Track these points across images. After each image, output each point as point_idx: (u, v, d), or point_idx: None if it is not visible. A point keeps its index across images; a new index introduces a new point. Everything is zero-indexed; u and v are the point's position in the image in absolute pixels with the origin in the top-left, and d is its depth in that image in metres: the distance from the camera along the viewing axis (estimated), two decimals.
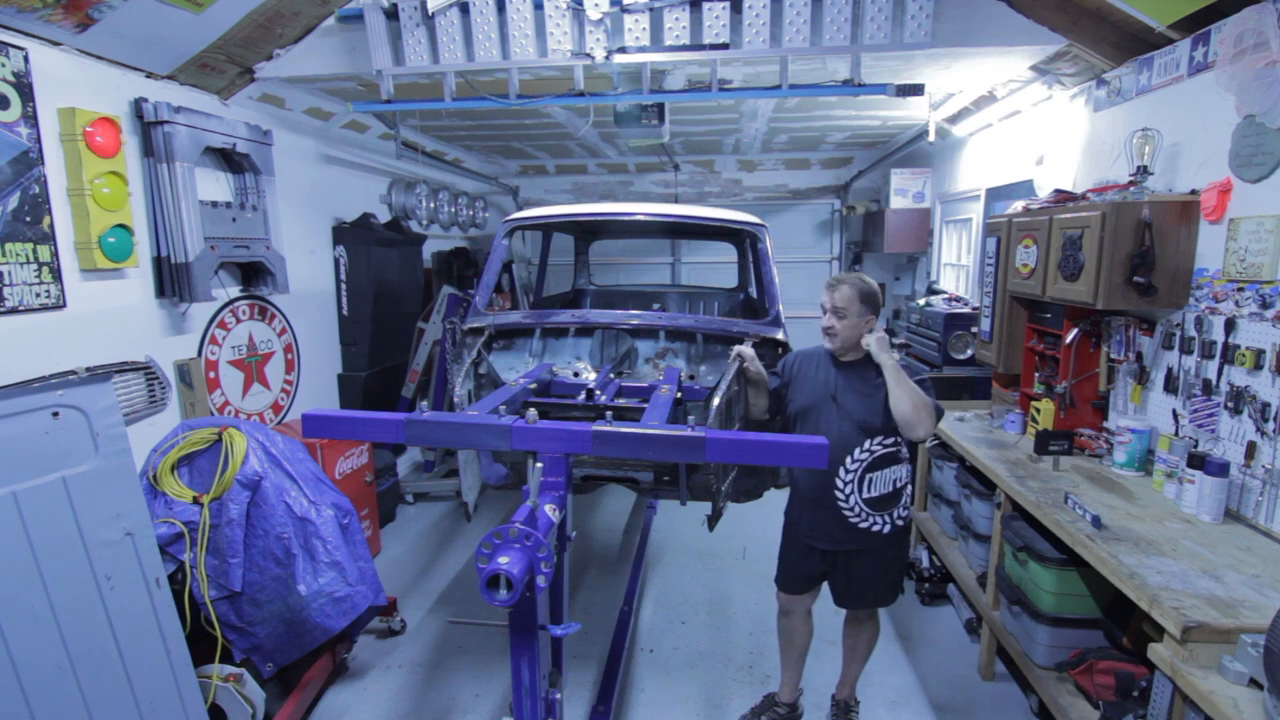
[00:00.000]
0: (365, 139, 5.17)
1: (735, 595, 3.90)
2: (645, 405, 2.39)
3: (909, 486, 2.54)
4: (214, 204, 3.50)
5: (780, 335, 3.02)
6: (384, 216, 5.49)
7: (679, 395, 2.68)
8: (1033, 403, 3.38)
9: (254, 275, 3.92)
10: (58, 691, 1.94)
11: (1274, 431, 2.29)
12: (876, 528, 2.49)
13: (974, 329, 4.24)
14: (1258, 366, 2.35)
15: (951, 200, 5.70)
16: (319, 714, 2.96)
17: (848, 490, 2.45)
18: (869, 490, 2.45)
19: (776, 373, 2.67)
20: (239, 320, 3.90)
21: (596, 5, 3.04)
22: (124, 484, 2.12)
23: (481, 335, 3.09)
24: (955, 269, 5.72)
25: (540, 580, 1.62)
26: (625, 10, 3.05)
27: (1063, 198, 3.19)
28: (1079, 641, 2.54)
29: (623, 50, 3.16)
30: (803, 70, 3.72)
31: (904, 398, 2.31)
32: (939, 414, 2.35)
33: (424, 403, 2.14)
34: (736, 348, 2.57)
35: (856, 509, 2.46)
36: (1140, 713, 2.13)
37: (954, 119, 4.95)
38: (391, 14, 3.20)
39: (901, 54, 3.18)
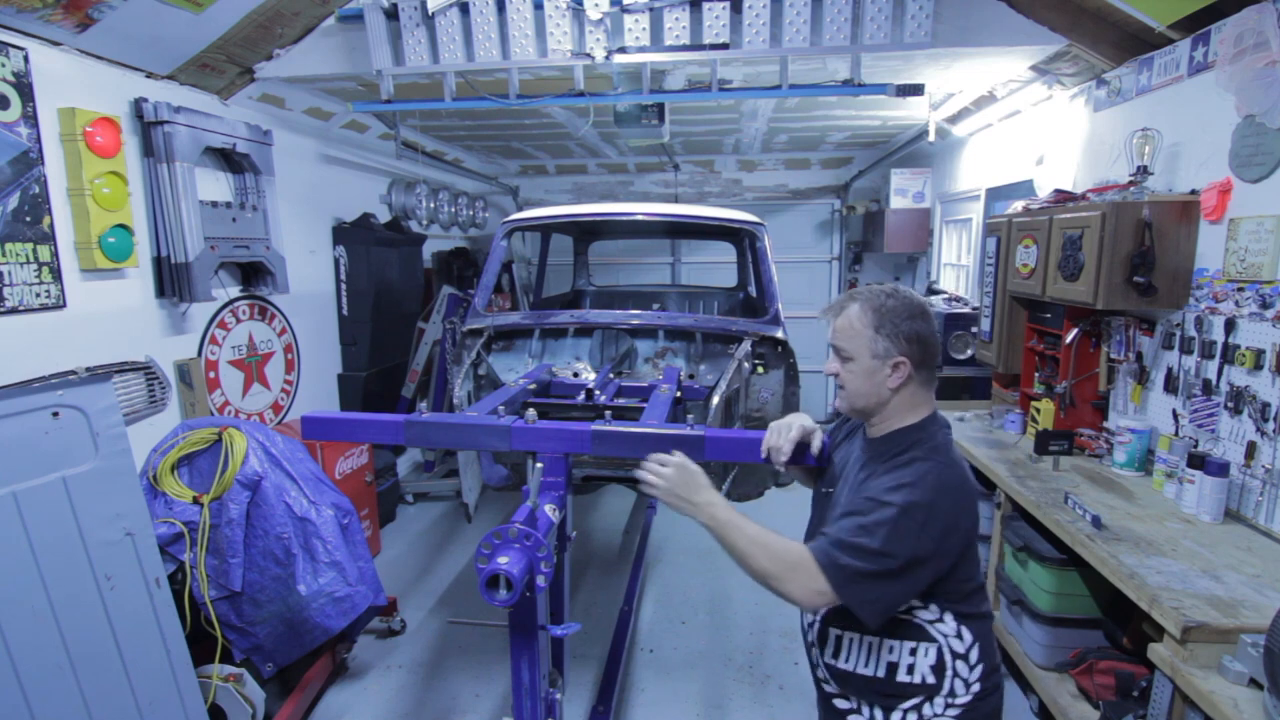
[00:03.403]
0: (365, 139, 5.17)
1: (735, 595, 3.90)
2: (645, 405, 2.39)
3: (952, 677, 1.42)
4: (214, 204, 3.50)
5: (780, 334, 3.03)
6: (384, 216, 5.49)
7: (678, 394, 2.68)
8: (1033, 403, 3.38)
9: (254, 275, 3.92)
10: (58, 691, 1.94)
11: (1274, 431, 2.29)
12: None
13: (974, 329, 4.24)
14: (1258, 366, 2.35)
15: (951, 200, 5.70)
16: (319, 714, 2.96)
17: (811, 636, 1.57)
18: (838, 656, 1.49)
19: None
20: (239, 320, 3.90)
21: (596, 5, 3.04)
22: (124, 484, 2.12)
23: (481, 336, 3.09)
24: (955, 269, 5.72)
25: (540, 580, 1.62)
26: (625, 10, 3.05)
27: (1063, 198, 3.19)
28: (1079, 641, 2.54)
29: (623, 50, 3.16)
30: (803, 70, 3.72)
31: (743, 562, 1.39)
32: (837, 579, 1.30)
33: (423, 403, 2.14)
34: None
35: (824, 674, 1.55)
36: (1140, 713, 2.12)
37: (954, 119, 4.95)
38: (391, 14, 3.20)
39: (901, 54, 3.17)
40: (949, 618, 1.41)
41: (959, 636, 1.41)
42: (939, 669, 1.41)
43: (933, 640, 1.41)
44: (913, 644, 1.42)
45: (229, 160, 3.73)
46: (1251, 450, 2.38)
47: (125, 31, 2.86)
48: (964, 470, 1.42)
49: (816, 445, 1.63)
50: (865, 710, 1.48)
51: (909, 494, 1.32)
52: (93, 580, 2.03)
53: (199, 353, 3.58)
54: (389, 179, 5.66)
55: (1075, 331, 3.10)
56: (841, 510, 1.41)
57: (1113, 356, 3.05)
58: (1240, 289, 2.43)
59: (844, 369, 1.48)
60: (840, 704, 1.52)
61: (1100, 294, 2.72)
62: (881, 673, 1.44)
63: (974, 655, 1.41)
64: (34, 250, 2.65)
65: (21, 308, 2.62)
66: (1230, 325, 2.47)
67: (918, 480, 1.34)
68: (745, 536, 1.39)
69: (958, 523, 1.35)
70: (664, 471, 1.53)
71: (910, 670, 1.42)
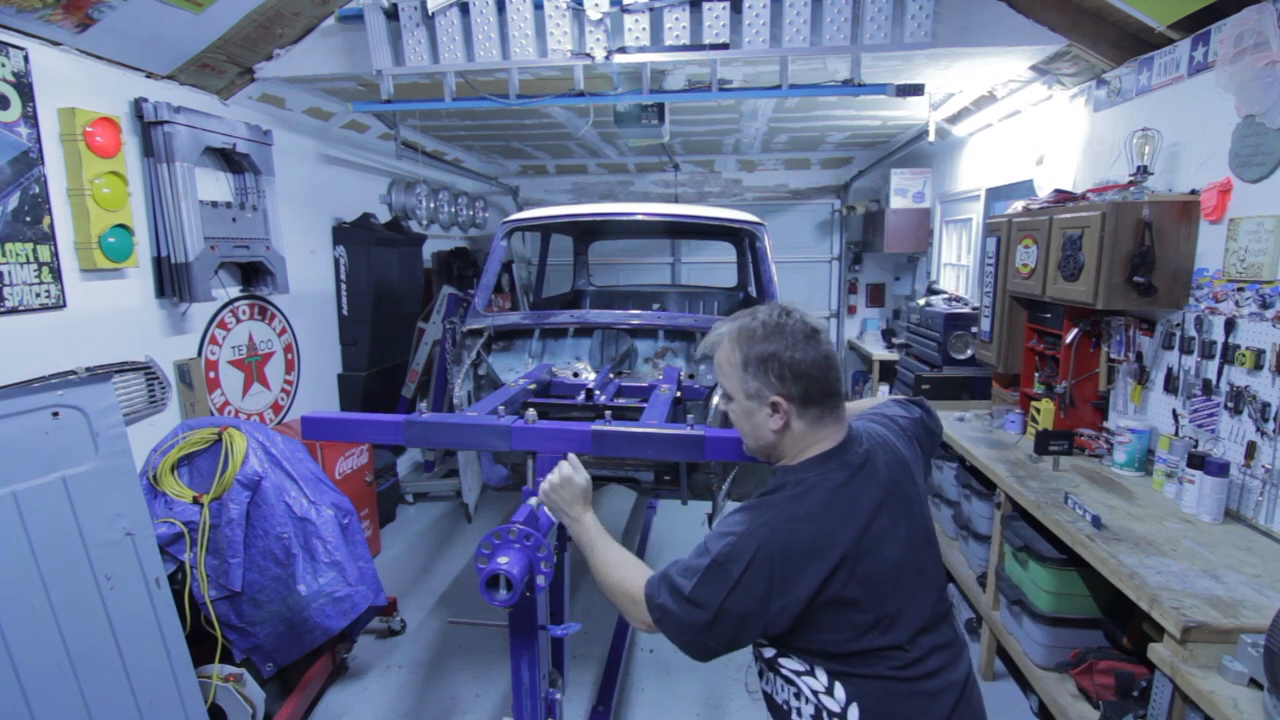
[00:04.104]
0: (365, 139, 5.17)
1: None
2: (645, 405, 2.39)
3: None
4: (214, 204, 3.50)
5: None
6: (384, 216, 5.49)
7: (678, 394, 2.68)
8: (1033, 403, 3.38)
9: (254, 275, 3.92)
10: (58, 691, 1.94)
11: (1274, 431, 2.29)
12: None
13: (974, 329, 4.24)
14: (1258, 366, 2.35)
15: (951, 200, 5.70)
16: (319, 714, 2.96)
17: None
18: (761, 677, 1.46)
19: None
20: (239, 320, 3.90)
21: (596, 5, 3.04)
22: (124, 484, 2.12)
23: (481, 336, 3.09)
24: (955, 269, 5.72)
25: (540, 580, 1.62)
26: (625, 10, 3.05)
27: (1063, 198, 3.19)
28: (1079, 641, 2.54)
29: (623, 50, 3.16)
30: (803, 70, 3.72)
31: (598, 582, 1.45)
32: (656, 613, 1.31)
33: (423, 403, 2.14)
34: None
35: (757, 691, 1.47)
36: (1140, 713, 2.12)
37: (954, 119, 4.95)
38: (391, 14, 3.20)
39: (901, 54, 3.17)
40: (821, 673, 1.29)
41: (830, 693, 1.29)
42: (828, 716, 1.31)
43: (801, 693, 1.32)
44: (795, 688, 1.33)
45: (229, 160, 3.73)
46: (1251, 450, 2.38)
47: (125, 31, 2.86)
48: (823, 526, 1.23)
49: None
50: None
51: (730, 545, 1.23)
52: (93, 580, 2.03)
53: (199, 353, 3.58)
54: (389, 179, 5.66)
55: (1075, 331, 3.10)
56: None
57: (1113, 356, 3.05)
58: (1240, 289, 2.43)
59: (728, 409, 1.35)
60: None
61: (1100, 294, 2.72)
62: (785, 706, 1.38)
63: (852, 716, 1.27)
64: (34, 250, 2.65)
65: (21, 308, 2.62)
66: (1230, 325, 2.47)
67: (747, 532, 1.23)
68: (600, 558, 1.44)
69: (789, 582, 1.21)
70: (552, 478, 1.58)
71: (799, 714, 1.35)
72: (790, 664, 1.33)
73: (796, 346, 1.26)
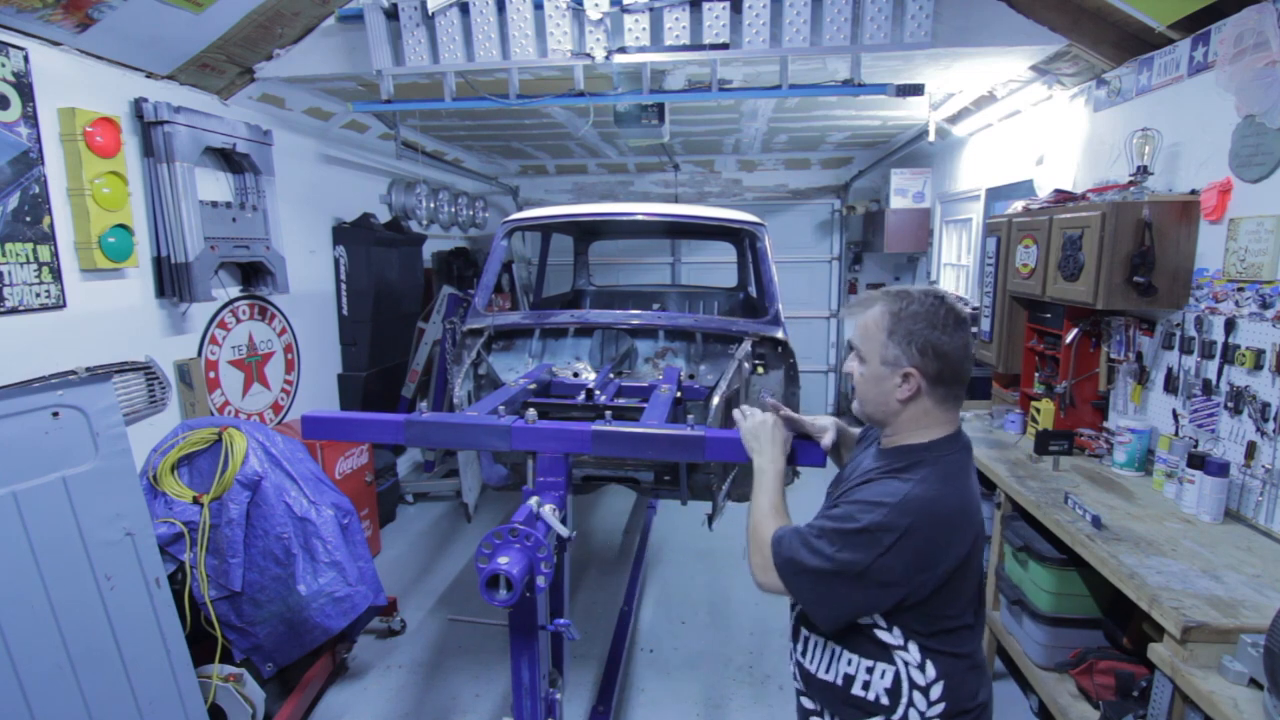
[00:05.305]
0: (365, 139, 5.17)
1: (735, 595, 3.90)
2: (645, 405, 2.39)
3: (906, 705, 1.34)
4: (214, 204, 3.50)
5: (780, 334, 3.02)
6: (384, 216, 5.49)
7: (679, 394, 2.68)
8: (1033, 403, 3.38)
9: (254, 275, 3.92)
10: (58, 691, 1.94)
11: (1274, 431, 2.29)
12: None
13: (974, 329, 4.23)
14: (1258, 366, 2.35)
15: (951, 200, 5.70)
16: (319, 714, 2.97)
17: (790, 629, 1.55)
18: (805, 655, 1.48)
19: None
20: (239, 320, 3.90)
21: (596, 5, 3.04)
22: (124, 484, 2.12)
23: (481, 336, 3.09)
24: (955, 269, 5.72)
25: (540, 580, 1.62)
26: (625, 10, 3.05)
27: (1063, 198, 3.19)
28: (1079, 641, 2.54)
29: (623, 50, 3.16)
30: (803, 70, 3.72)
31: (751, 513, 1.48)
32: (785, 569, 1.34)
33: (423, 403, 2.14)
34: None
35: (794, 670, 1.53)
36: (1140, 713, 2.12)
37: (954, 119, 4.95)
38: (391, 14, 3.20)
39: (901, 54, 3.17)
40: (913, 648, 1.33)
41: (921, 668, 1.33)
42: (894, 693, 1.34)
43: (891, 663, 1.34)
44: (870, 662, 1.36)
45: (229, 160, 3.73)
46: (1251, 450, 2.38)
47: (125, 31, 2.86)
48: (963, 501, 1.31)
49: (828, 440, 1.69)
50: (825, 715, 1.44)
51: (883, 515, 1.26)
52: (93, 580, 2.03)
53: (199, 353, 3.58)
54: (389, 179, 5.66)
55: (1075, 331, 3.10)
56: (822, 509, 1.41)
57: (1113, 356, 3.05)
58: (1240, 289, 2.43)
59: (857, 370, 1.41)
60: (806, 703, 1.50)
61: (1100, 294, 2.72)
62: (839, 681, 1.40)
63: (935, 692, 1.32)
64: (34, 250, 2.65)
65: (21, 308, 2.62)
66: (1230, 325, 2.47)
67: (899, 503, 1.26)
68: (758, 500, 1.47)
69: (936, 555, 1.26)
70: (746, 423, 1.64)
71: (865, 687, 1.36)
72: (887, 636, 1.34)
73: (944, 330, 1.31)
